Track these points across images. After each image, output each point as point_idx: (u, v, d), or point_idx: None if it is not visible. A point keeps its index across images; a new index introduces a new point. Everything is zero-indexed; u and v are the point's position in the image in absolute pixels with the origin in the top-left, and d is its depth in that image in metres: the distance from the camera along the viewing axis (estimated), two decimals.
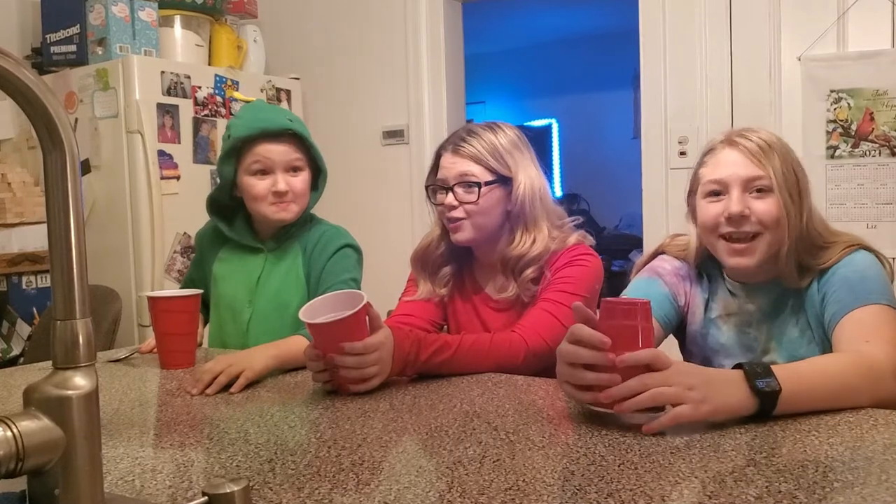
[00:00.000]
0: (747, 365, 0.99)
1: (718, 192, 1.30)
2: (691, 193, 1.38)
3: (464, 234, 1.56)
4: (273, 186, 1.66)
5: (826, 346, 1.25)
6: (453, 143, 1.58)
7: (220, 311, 1.77)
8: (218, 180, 1.76)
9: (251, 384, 1.33)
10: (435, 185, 1.59)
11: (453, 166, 1.55)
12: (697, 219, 1.35)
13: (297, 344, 1.41)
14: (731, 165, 1.29)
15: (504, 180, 1.54)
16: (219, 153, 1.76)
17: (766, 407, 0.97)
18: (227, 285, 1.76)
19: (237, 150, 1.68)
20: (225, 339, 1.77)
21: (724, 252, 1.31)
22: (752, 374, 0.97)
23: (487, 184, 1.53)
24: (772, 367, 0.99)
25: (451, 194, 1.54)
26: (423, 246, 1.65)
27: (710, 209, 1.30)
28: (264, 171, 1.68)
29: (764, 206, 1.27)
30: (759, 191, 1.27)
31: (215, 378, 1.30)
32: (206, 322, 1.83)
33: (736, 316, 1.36)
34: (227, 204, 1.76)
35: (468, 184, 1.54)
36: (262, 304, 1.72)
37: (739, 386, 0.96)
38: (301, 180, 1.71)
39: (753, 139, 1.29)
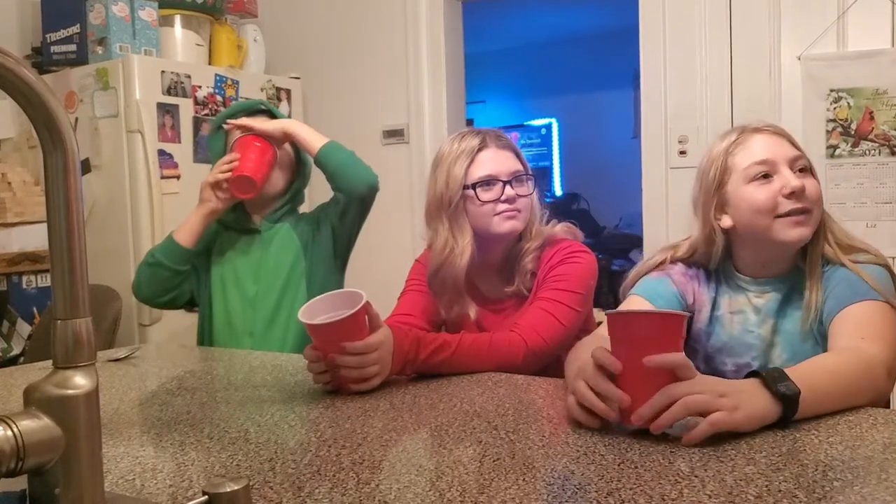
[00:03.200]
0: (763, 371, 0.96)
1: (766, 173, 1.29)
2: (720, 186, 1.34)
3: (519, 224, 1.55)
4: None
5: (824, 342, 1.25)
6: (494, 139, 1.57)
7: (225, 290, 1.94)
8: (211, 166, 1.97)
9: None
10: (489, 180, 1.53)
11: (505, 160, 1.55)
12: (744, 205, 1.31)
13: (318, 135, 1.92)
14: (771, 146, 1.29)
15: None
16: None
17: (788, 411, 0.94)
18: (230, 267, 1.94)
19: (224, 140, 1.96)
20: (231, 313, 1.93)
21: (783, 228, 1.28)
22: (771, 379, 0.94)
23: (530, 177, 1.58)
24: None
25: (507, 187, 1.53)
26: (463, 266, 1.53)
27: (762, 191, 1.28)
28: None
29: (811, 184, 1.29)
30: (800, 170, 1.29)
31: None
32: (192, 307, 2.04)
33: (741, 314, 1.37)
34: None
35: (519, 177, 1.56)
36: (265, 281, 1.91)
37: (762, 393, 0.94)
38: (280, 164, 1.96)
39: (774, 126, 1.32)
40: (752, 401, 0.93)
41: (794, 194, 1.26)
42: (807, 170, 1.30)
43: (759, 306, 1.35)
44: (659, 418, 0.90)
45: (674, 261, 1.43)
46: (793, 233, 1.28)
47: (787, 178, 1.27)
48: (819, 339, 1.28)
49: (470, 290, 1.61)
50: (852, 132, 2.45)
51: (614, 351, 0.97)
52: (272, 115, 1.99)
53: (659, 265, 1.44)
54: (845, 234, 1.34)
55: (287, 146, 1.97)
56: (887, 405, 1.22)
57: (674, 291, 1.39)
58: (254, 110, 2.00)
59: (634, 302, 1.38)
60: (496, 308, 1.60)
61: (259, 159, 1.86)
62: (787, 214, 1.27)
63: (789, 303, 1.33)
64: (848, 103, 2.44)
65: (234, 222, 1.96)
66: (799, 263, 1.33)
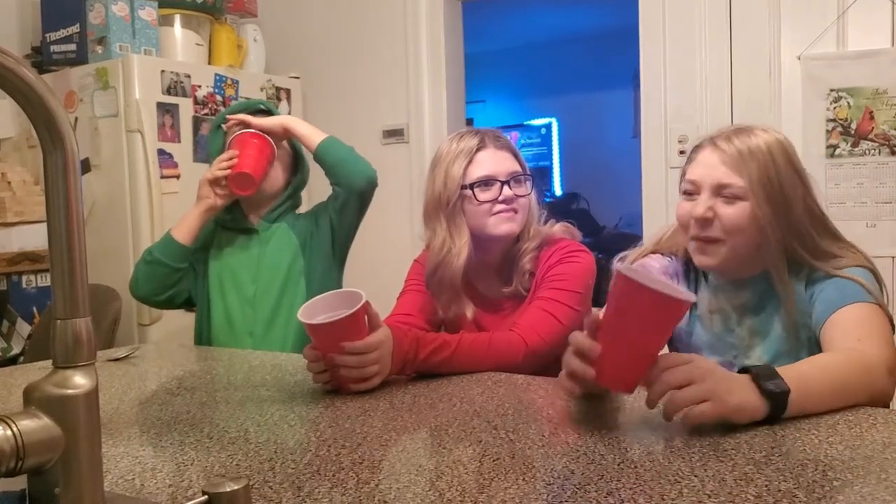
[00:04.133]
0: (753, 368, 0.97)
1: (692, 191, 1.30)
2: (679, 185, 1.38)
3: (515, 226, 1.55)
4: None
5: (812, 347, 1.25)
6: (492, 139, 1.57)
7: (224, 290, 1.93)
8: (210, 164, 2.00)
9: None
10: (487, 180, 1.53)
11: (503, 161, 1.55)
12: (676, 215, 1.36)
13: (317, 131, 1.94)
14: (706, 167, 1.28)
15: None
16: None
17: (777, 409, 0.95)
18: (227, 267, 1.94)
19: (223, 139, 1.96)
20: (231, 313, 1.92)
21: (694, 250, 1.33)
22: (760, 376, 0.95)
23: (528, 178, 1.58)
24: (777, 369, 0.98)
25: (505, 187, 1.53)
26: (460, 266, 1.53)
27: (683, 207, 1.32)
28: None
29: (730, 212, 1.26)
30: (729, 197, 1.26)
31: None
32: (190, 306, 2.03)
33: (719, 313, 1.37)
34: None
35: (518, 177, 1.56)
36: (264, 280, 1.92)
37: (751, 389, 0.95)
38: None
39: (736, 144, 1.26)
40: (744, 393, 0.95)
41: (698, 222, 1.28)
42: (737, 198, 1.26)
43: (735, 307, 1.35)
44: (677, 394, 0.92)
45: (661, 248, 1.45)
46: (697, 258, 1.32)
47: (697, 205, 1.28)
48: (804, 339, 1.28)
49: (468, 290, 1.61)
50: (852, 132, 2.45)
51: (609, 307, 0.98)
52: (272, 115, 2.00)
53: (647, 252, 1.46)
54: (821, 246, 1.29)
55: (286, 144, 1.98)
56: (888, 405, 1.22)
57: None
58: (254, 110, 2.01)
59: None
60: (494, 308, 1.60)
61: (258, 156, 1.87)
62: (696, 239, 1.30)
63: (765, 304, 1.33)
64: (848, 103, 2.44)
65: (231, 222, 1.96)
66: (769, 269, 1.31)
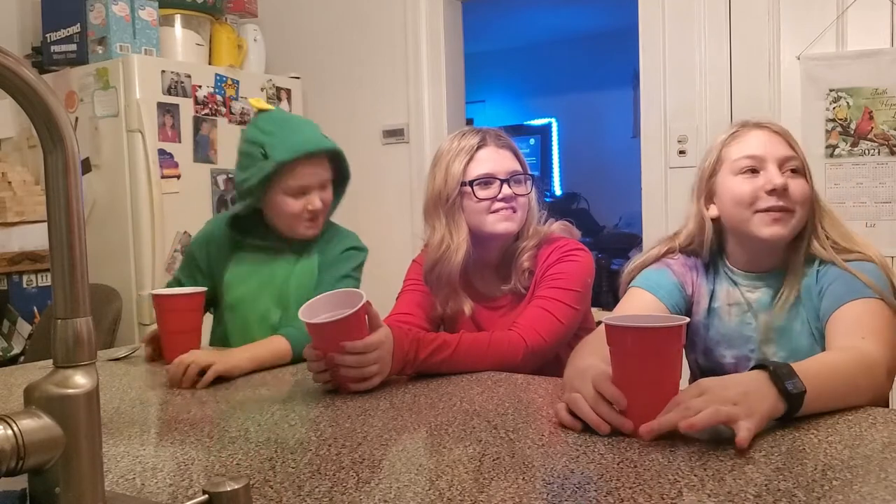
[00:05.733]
0: (771, 365, 0.97)
1: (753, 168, 1.31)
2: (711, 175, 1.37)
3: (514, 225, 1.55)
4: (309, 205, 1.66)
5: (824, 343, 1.25)
6: (493, 138, 1.57)
7: (244, 313, 1.72)
8: (235, 193, 1.75)
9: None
10: (487, 179, 1.53)
11: (504, 160, 1.56)
12: (727, 196, 1.33)
13: (276, 345, 1.49)
14: (765, 143, 1.31)
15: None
16: (243, 166, 1.68)
17: (793, 409, 0.95)
18: (248, 288, 1.72)
19: (269, 175, 1.63)
20: (252, 336, 1.66)
21: (760, 223, 1.30)
22: (779, 375, 0.95)
23: (529, 177, 1.58)
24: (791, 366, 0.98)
25: (505, 185, 1.54)
26: (458, 262, 1.53)
27: (747, 184, 1.31)
28: (303, 192, 1.66)
29: (798, 185, 1.29)
30: (792, 171, 1.30)
31: (186, 370, 1.33)
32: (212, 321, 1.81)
33: (737, 306, 1.37)
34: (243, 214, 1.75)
35: (518, 177, 1.56)
36: (291, 305, 1.67)
37: (769, 390, 0.94)
38: (329, 194, 1.73)
39: (779, 125, 1.33)
40: (762, 401, 0.93)
41: (776, 192, 1.28)
42: (799, 171, 1.31)
43: (752, 301, 1.36)
44: (692, 419, 0.88)
45: (672, 251, 1.44)
46: (767, 230, 1.30)
47: (772, 175, 1.29)
48: (817, 336, 1.29)
49: (467, 288, 1.61)
50: (851, 132, 2.45)
51: (612, 359, 0.97)
52: (335, 156, 1.71)
53: (662, 256, 1.45)
54: (845, 236, 1.33)
55: (331, 187, 1.73)
56: (886, 404, 1.22)
57: (674, 282, 1.39)
58: (318, 153, 1.67)
59: (636, 295, 1.38)
60: (493, 305, 1.60)
61: (185, 339, 1.52)
62: (767, 211, 1.29)
63: (783, 299, 1.33)
64: (847, 103, 2.44)
65: (256, 237, 1.75)
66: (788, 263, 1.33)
